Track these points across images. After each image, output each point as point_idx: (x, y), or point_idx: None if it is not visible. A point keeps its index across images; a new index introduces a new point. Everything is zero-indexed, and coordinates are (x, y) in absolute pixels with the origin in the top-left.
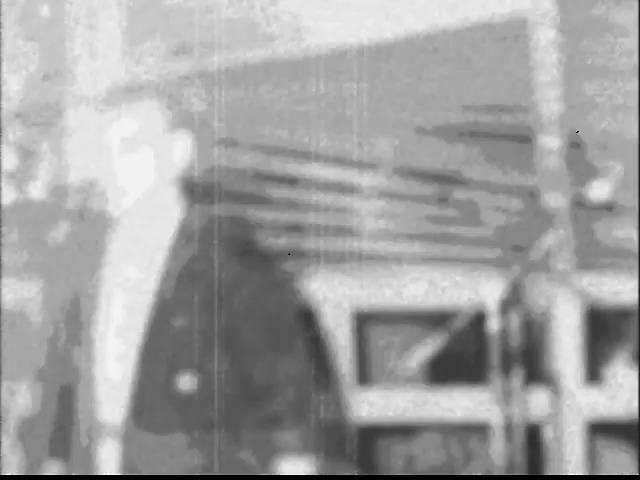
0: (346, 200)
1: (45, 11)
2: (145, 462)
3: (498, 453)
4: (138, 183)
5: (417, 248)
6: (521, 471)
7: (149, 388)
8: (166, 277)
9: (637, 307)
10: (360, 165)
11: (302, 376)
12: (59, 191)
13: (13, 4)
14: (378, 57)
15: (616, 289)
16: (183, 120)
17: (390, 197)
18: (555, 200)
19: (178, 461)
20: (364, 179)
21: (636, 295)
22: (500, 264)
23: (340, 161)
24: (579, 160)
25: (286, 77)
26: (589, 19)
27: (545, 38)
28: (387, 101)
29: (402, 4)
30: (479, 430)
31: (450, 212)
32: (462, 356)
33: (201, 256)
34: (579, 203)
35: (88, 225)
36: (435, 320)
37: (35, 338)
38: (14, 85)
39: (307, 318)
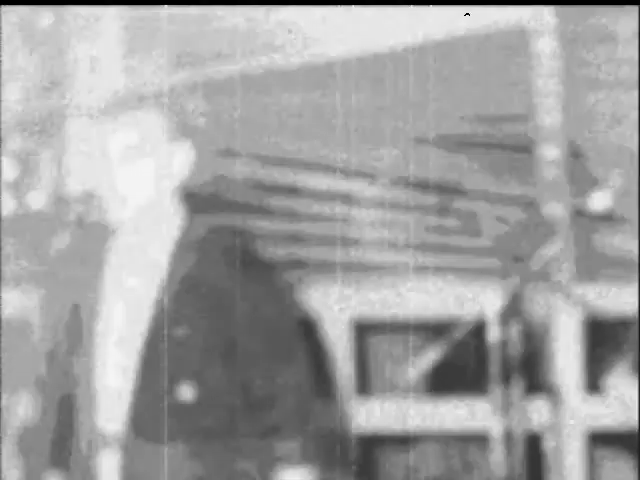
0: (346, 210)
1: (45, 22)
2: (145, 472)
3: (498, 463)
4: (138, 193)
5: (417, 258)
6: None
7: (149, 398)
8: (166, 287)
9: (637, 317)
10: (360, 175)
11: (302, 386)
12: (59, 201)
13: (13, 15)
14: (377, 67)
15: (616, 299)
16: (183, 130)
17: (390, 207)
18: (555, 210)
19: (178, 471)
20: (364, 189)
21: (636, 305)
22: (500, 274)
23: (340, 171)
24: (579, 170)
25: (286, 88)
26: (589, 29)
27: (545, 48)
28: (387, 111)
29: (400, 15)
30: (479, 440)
31: (450, 222)
32: (462, 366)
33: (201, 266)
34: (579, 213)
35: (88, 235)
36: (435, 330)
37: (35, 348)
38: (14, 95)
39: (307, 328)
